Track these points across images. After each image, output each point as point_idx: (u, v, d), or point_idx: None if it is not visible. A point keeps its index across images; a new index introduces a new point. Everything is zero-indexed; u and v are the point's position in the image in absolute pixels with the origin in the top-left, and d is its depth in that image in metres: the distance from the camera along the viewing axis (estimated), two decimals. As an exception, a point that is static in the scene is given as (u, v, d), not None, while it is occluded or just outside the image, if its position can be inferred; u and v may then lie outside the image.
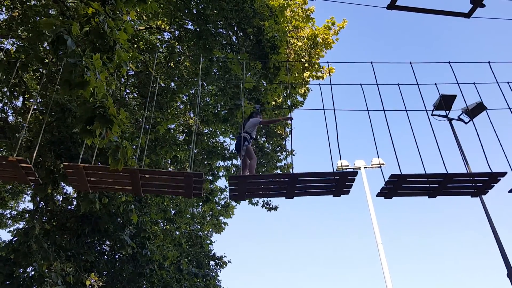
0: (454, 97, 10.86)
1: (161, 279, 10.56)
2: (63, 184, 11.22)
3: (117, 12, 5.95)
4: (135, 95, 12.82)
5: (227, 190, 14.10)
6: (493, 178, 6.28)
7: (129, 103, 11.83)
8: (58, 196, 11.78)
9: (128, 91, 12.98)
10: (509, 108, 6.92)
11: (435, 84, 7.69)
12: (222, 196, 15.35)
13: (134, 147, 9.66)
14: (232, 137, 13.47)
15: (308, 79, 12.91)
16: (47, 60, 7.95)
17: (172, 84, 12.18)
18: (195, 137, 6.60)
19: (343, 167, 17.81)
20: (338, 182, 6.33)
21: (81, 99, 4.51)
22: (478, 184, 6.36)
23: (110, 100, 5.03)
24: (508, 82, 7.48)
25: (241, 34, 10.74)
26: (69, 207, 10.53)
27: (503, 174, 6.25)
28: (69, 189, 12.40)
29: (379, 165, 16.96)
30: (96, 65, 4.19)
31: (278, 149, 13.87)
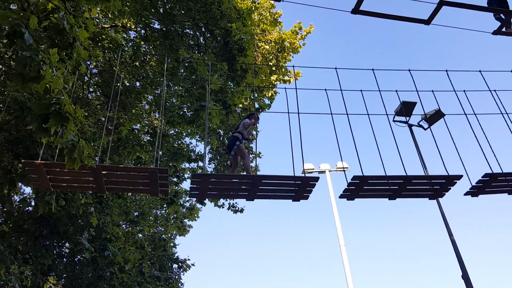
0: (414, 104, 11.21)
1: (122, 282, 10.31)
2: (20, 185, 10.78)
3: (79, 9, 5.79)
4: (98, 94, 12.50)
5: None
6: (449, 181, 6.52)
7: (91, 103, 11.51)
8: (15, 196, 11.32)
9: (91, 90, 12.64)
10: (465, 114, 7.21)
11: (396, 91, 7.95)
12: (187, 199, 15.20)
13: (96, 148, 9.41)
14: (198, 139, 13.36)
15: (275, 83, 12.99)
16: (4, 55, 7.63)
17: (138, 84, 11.95)
18: (160, 137, 6.50)
19: (308, 171, 18.07)
20: (299, 187, 6.40)
21: (37, 96, 4.36)
22: (435, 187, 6.59)
23: (66, 97, 4.87)
24: (464, 90, 7.82)
25: (208, 35, 10.69)
26: (27, 208, 10.13)
27: (459, 177, 6.50)
28: (27, 190, 11.94)
29: (343, 169, 17.28)
30: (53, 60, 4.05)
31: (244, 151, 13.87)
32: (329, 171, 18.99)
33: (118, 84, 9.02)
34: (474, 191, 6.85)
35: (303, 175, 6.59)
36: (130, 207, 11.60)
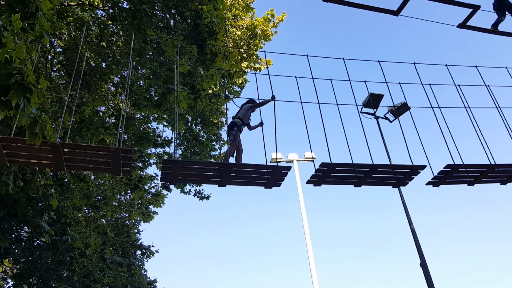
0: (382, 96, 11.44)
1: (83, 267, 10.04)
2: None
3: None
4: (62, 74, 12.01)
5: (159, 177, 13.72)
6: (413, 170, 6.70)
7: (55, 81, 11.05)
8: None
9: (55, 69, 12.13)
10: (431, 107, 7.40)
11: (365, 81, 8.05)
12: (153, 184, 14.94)
13: (58, 129, 9.04)
14: (165, 124, 13.11)
15: (246, 70, 12.88)
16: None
17: (104, 64, 11.56)
18: (124, 117, 6.30)
19: (277, 160, 18.15)
20: (271, 175, 6.42)
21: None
22: (399, 176, 6.75)
23: (30, 67, 4.63)
24: (430, 84, 8.02)
25: (178, 17, 10.43)
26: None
27: (423, 167, 6.68)
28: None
29: (311, 159, 17.47)
30: (15, 26, 3.81)
31: (213, 138, 13.75)
32: (297, 160, 19.18)
33: (83, 64, 8.67)
34: (436, 181, 7.07)
35: (275, 164, 6.61)
36: (93, 191, 11.26)
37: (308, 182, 6.94)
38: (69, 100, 9.15)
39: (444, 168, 6.83)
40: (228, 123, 7.61)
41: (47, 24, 5.60)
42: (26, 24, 5.13)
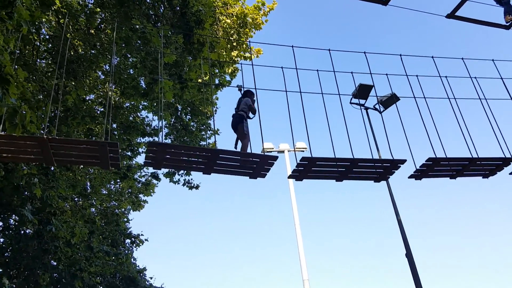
0: (371, 87, 11.35)
1: (70, 256, 10.06)
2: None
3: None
4: (50, 63, 11.87)
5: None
6: (394, 164, 6.67)
7: (40, 70, 10.92)
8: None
9: (42, 57, 11.98)
10: (414, 97, 7.35)
11: (351, 72, 7.97)
12: (143, 174, 14.92)
13: (44, 117, 8.96)
14: (154, 113, 13.02)
15: (236, 59, 12.77)
16: None
17: (93, 52, 11.42)
18: (110, 106, 6.24)
19: (267, 150, 18.11)
20: (258, 165, 6.36)
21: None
22: (379, 170, 6.72)
23: (7, 57, 4.57)
24: (417, 75, 7.95)
25: (167, 4, 10.29)
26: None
27: (403, 161, 6.66)
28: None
29: (303, 149, 17.41)
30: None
31: (202, 127, 13.69)
32: (288, 151, 19.14)
33: (66, 51, 8.55)
34: (418, 175, 7.05)
35: (262, 153, 6.54)
36: (80, 181, 11.23)
37: (290, 176, 6.93)
38: (55, 89, 9.06)
39: (425, 161, 6.81)
40: (235, 117, 7.61)
41: (25, 13, 5.50)
42: (4, 13, 5.04)
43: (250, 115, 7.65)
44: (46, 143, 5.38)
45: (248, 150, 6.76)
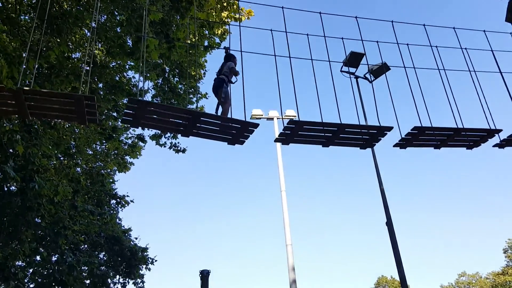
0: (362, 55, 11.21)
1: (54, 214, 10.05)
2: None
3: None
4: (33, 17, 11.42)
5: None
6: (380, 131, 6.68)
7: (24, 24, 10.52)
8: None
9: (27, 11, 11.51)
10: (404, 67, 7.29)
11: (342, 38, 7.83)
12: (129, 135, 14.77)
13: (28, 73, 8.69)
14: (141, 73, 12.74)
15: (226, 20, 12.43)
16: None
17: (79, 8, 11.01)
18: (91, 57, 6.05)
19: (256, 117, 18.02)
20: (237, 131, 6.28)
21: None
22: (366, 137, 6.73)
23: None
24: (407, 44, 7.85)
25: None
26: None
27: (390, 128, 6.67)
28: None
29: (292, 117, 17.38)
30: None
31: (191, 90, 13.48)
32: (277, 118, 19.08)
33: (55, 6, 8.22)
34: (403, 143, 7.08)
35: (243, 119, 6.42)
36: (64, 139, 11.06)
37: (276, 140, 6.91)
38: (36, 44, 8.75)
39: (411, 130, 6.83)
40: (216, 81, 7.40)
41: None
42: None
43: (233, 79, 7.47)
44: (20, 94, 5.25)
45: (229, 116, 6.65)
